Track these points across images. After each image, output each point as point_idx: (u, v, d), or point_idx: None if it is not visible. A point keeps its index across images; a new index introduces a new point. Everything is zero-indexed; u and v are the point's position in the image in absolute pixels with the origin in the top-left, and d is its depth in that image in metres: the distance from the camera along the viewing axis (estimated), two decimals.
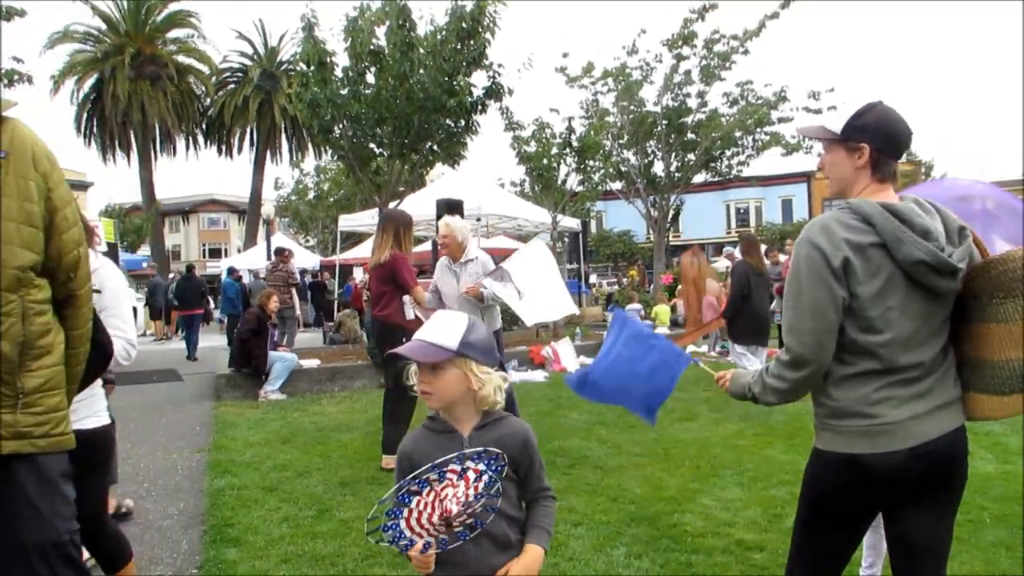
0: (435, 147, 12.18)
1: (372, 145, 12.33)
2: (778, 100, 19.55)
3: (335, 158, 16.91)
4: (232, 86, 37.16)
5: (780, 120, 19.54)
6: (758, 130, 19.66)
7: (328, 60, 11.38)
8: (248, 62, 37.68)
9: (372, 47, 11.17)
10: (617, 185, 21.66)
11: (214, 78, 36.51)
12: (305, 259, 26.02)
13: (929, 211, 2.17)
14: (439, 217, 12.35)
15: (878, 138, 2.18)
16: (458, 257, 6.15)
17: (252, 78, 35.87)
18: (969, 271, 2.14)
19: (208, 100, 36.91)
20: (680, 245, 50.14)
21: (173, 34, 35.19)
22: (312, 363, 10.64)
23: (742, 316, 8.32)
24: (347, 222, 17.16)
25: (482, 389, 2.01)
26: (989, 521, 4.33)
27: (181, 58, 35.16)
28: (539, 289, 6.41)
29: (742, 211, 53.27)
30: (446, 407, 2.04)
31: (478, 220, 16.11)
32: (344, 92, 11.33)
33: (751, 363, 8.23)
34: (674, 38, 18.82)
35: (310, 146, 34.85)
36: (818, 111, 19.22)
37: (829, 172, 2.31)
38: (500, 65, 11.87)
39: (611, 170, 20.86)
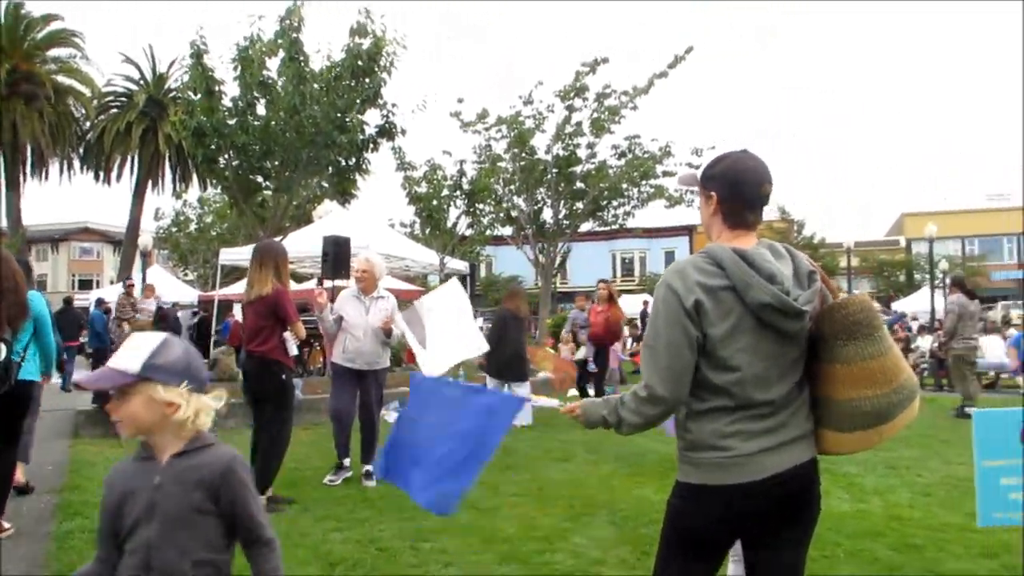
0: (323, 183, 12.08)
1: (258, 177, 12.12)
2: (663, 155, 20.32)
3: (219, 189, 16.48)
4: (115, 111, 35.74)
5: (664, 174, 20.29)
6: (643, 183, 20.35)
7: (216, 89, 11.16)
8: (134, 87, 36.36)
9: (262, 78, 11.05)
10: (507, 230, 21.94)
11: (96, 101, 35.02)
12: (182, 293, 25.03)
13: (781, 256, 2.29)
14: (325, 254, 12.22)
15: (723, 186, 2.30)
16: (371, 291, 6.39)
17: (137, 104, 34.60)
18: (818, 313, 2.28)
19: (88, 123, 35.33)
20: (567, 292, 51.07)
21: (54, 52, 33.69)
22: None
23: (496, 354, 9.28)
24: (229, 256, 16.62)
25: (177, 413, 1.88)
26: (843, 557, 4.54)
27: (61, 78, 33.64)
28: (449, 331, 6.69)
29: (627, 260, 54.83)
30: (144, 434, 1.91)
31: None
32: (231, 122, 11.13)
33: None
34: (566, 90, 19.35)
35: (195, 177, 33.78)
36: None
37: (700, 218, 2.45)
38: (394, 105, 11.95)
39: (501, 215, 21.22)
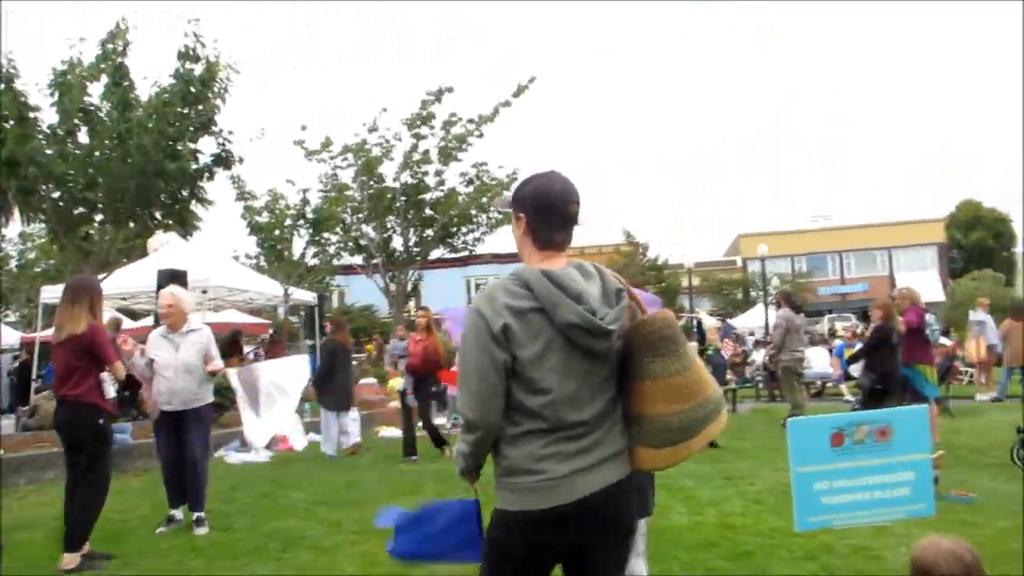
0: (155, 214, 11.46)
1: (82, 209, 11.33)
2: (510, 181, 20.66)
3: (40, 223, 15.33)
4: None
5: None
6: (491, 209, 20.59)
7: (30, 115, 10.39)
8: None
9: (83, 104, 10.38)
10: (357, 259, 21.62)
11: None
12: (3, 335, 23.01)
13: (590, 275, 2.32)
14: (159, 288, 11.57)
15: (531, 208, 2.32)
16: (179, 327, 6.11)
17: None
18: (627, 331, 2.33)
19: None
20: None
21: None
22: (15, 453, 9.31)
23: (326, 385, 9.94)
24: (52, 294, 15.43)
25: None
26: (679, 569, 4.67)
27: None
28: (279, 407, 6.97)
29: (481, 286, 55.00)
30: None
31: (204, 292, 15.24)
32: (49, 151, 10.37)
33: (330, 426, 10.10)
34: (413, 118, 19.37)
35: (16, 210, 31.22)
36: None
37: (514, 240, 2.45)
38: (230, 132, 11.53)
39: (350, 244, 20.89)
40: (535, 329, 2.17)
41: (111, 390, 5.65)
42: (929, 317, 9.28)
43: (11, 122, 10.38)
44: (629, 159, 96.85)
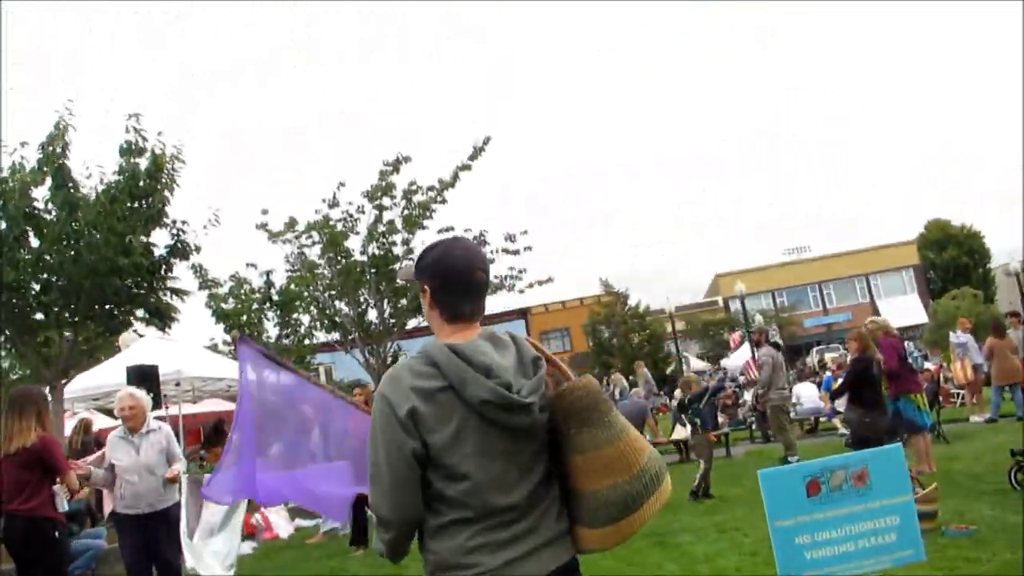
0: (130, 311, 11.20)
1: (38, 315, 11.04)
2: (479, 243, 20.56)
3: None
4: None
5: None
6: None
7: None
8: None
9: (28, 209, 10.18)
10: (335, 336, 21.30)
11: None
12: None
13: (503, 345, 2.13)
14: (130, 383, 11.23)
15: (435, 276, 2.16)
16: (139, 428, 6.01)
17: None
18: (551, 402, 2.11)
19: None
20: None
21: None
22: None
23: None
24: None
25: None
26: None
27: None
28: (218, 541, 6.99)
29: None
30: None
31: (177, 385, 14.92)
32: None
33: None
34: (373, 189, 19.30)
35: None
36: (516, 252, 20.58)
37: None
38: (184, 222, 11.35)
39: (325, 321, 20.58)
40: (446, 411, 1.97)
41: (63, 503, 5.59)
42: (908, 344, 9.12)
43: None
44: (784, 133, 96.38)
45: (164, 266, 11.32)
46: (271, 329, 14.03)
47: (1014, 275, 33.63)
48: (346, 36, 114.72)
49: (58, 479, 5.44)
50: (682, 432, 14.02)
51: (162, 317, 11.74)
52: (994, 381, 14.02)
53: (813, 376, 22.73)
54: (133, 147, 10.58)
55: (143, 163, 10.96)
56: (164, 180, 11.06)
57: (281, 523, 11.11)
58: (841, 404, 10.06)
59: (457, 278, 2.16)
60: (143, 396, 6.27)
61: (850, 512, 3.65)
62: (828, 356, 34.13)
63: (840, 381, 9.87)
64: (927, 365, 13.04)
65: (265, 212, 19.51)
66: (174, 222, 11.29)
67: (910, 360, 9.18)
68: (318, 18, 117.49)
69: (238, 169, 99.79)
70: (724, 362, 36.75)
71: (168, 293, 11.67)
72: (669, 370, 35.14)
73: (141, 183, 10.80)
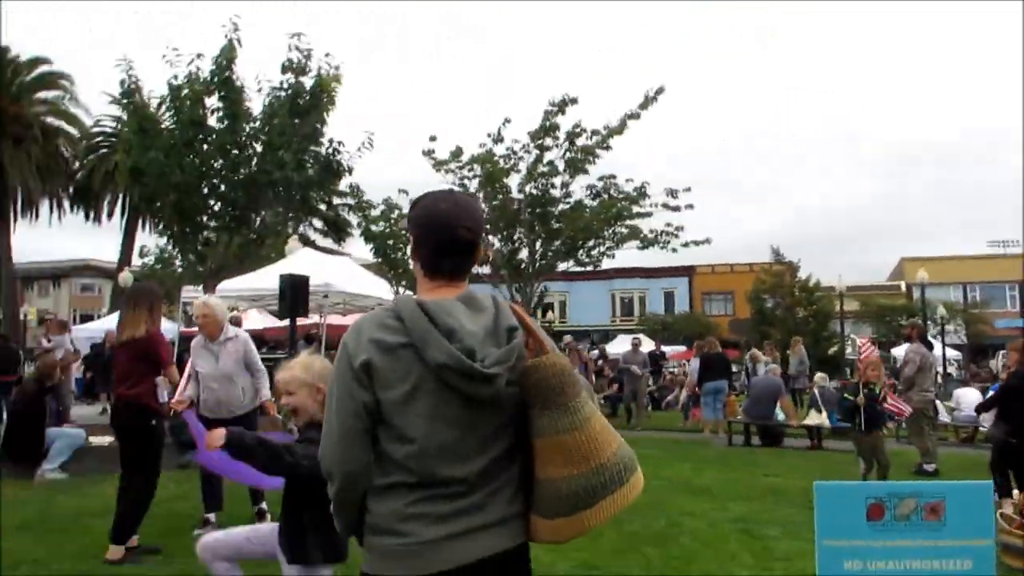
0: (280, 219, 11.81)
1: (202, 217, 11.83)
2: (639, 195, 20.03)
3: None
4: (103, 151, 35.74)
5: (638, 215, 19.99)
6: (618, 223, 20.03)
7: (151, 127, 10.93)
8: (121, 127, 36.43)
9: (198, 117, 10.80)
10: (486, 269, 21.60)
11: (84, 142, 35.09)
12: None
13: (480, 309, 1.96)
14: (282, 293, 11.87)
15: (418, 227, 2.04)
16: (216, 336, 6.12)
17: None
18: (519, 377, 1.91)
19: (77, 164, 35.39)
20: (565, 331, 50.65)
21: (42, 95, 33.86)
22: (104, 439, 9.72)
23: None
24: (186, 294, 16.40)
25: None
26: None
27: (50, 120, 33.78)
28: None
29: (626, 301, 54.52)
30: None
31: (326, 297, 15.63)
32: (164, 159, 10.85)
33: None
34: (536, 131, 19.15)
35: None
36: (676, 208, 19.88)
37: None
38: (339, 143, 11.68)
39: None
40: (403, 368, 1.84)
41: (164, 394, 5.81)
42: None
43: (133, 134, 10.95)
44: (783, 133, 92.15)
45: (318, 184, 11.69)
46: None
47: None
48: None
49: (161, 372, 5.67)
50: (816, 418, 13.20)
51: (338, 230, 12.21)
52: None
53: (993, 381, 20.69)
54: (295, 65, 10.91)
55: (307, 82, 11.29)
56: (324, 100, 11.38)
57: None
58: (987, 420, 9.03)
59: (439, 232, 2.00)
60: (218, 304, 6.39)
61: (915, 546, 3.20)
62: None
63: (990, 394, 8.85)
64: None
65: (433, 139, 19.86)
66: (331, 141, 11.62)
67: None
68: None
69: (401, 97, 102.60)
70: (894, 350, 34.32)
71: (345, 209, 12.10)
72: (831, 351, 33.18)
73: (301, 101, 11.18)
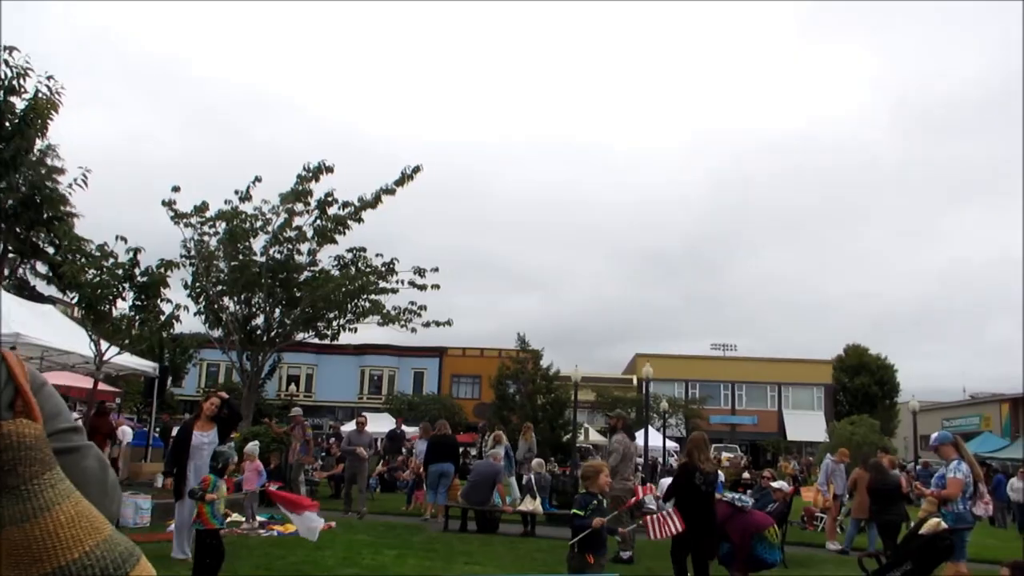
0: None
1: None
2: (387, 271, 19.93)
3: None
4: None
5: (383, 290, 19.88)
6: (361, 297, 19.75)
7: None
8: None
9: None
10: (218, 332, 20.28)
11: None
12: None
13: None
14: None
15: None
16: None
17: None
18: None
19: None
20: (312, 406, 48.86)
21: None
22: None
23: None
24: None
25: None
26: None
27: None
28: None
29: (376, 377, 53.88)
30: None
31: (13, 348, 13.77)
32: None
33: None
34: (287, 193, 18.61)
35: None
36: (423, 287, 19.96)
37: None
38: (48, 172, 10.46)
39: (210, 316, 19.58)
40: None
41: None
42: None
43: None
44: None
45: (14, 217, 10.37)
46: (125, 308, 12.97)
47: (912, 413, 34.26)
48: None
49: None
50: (531, 504, 13.42)
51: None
52: (853, 513, 13.78)
53: None
54: (3, 82, 9.74)
55: (18, 103, 10.14)
56: (37, 125, 10.26)
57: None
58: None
59: None
60: None
61: None
62: (724, 455, 34.03)
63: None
64: (779, 485, 12.64)
65: (176, 189, 18.58)
66: (44, 171, 10.41)
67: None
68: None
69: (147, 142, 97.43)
70: None
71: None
72: (565, 438, 34.55)
73: (8, 124, 9.97)
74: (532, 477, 14.20)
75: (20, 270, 34.96)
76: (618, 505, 11.00)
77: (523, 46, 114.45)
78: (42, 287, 34.62)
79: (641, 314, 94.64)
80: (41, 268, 33.00)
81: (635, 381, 50.93)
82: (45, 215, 10.93)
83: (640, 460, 25.63)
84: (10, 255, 30.10)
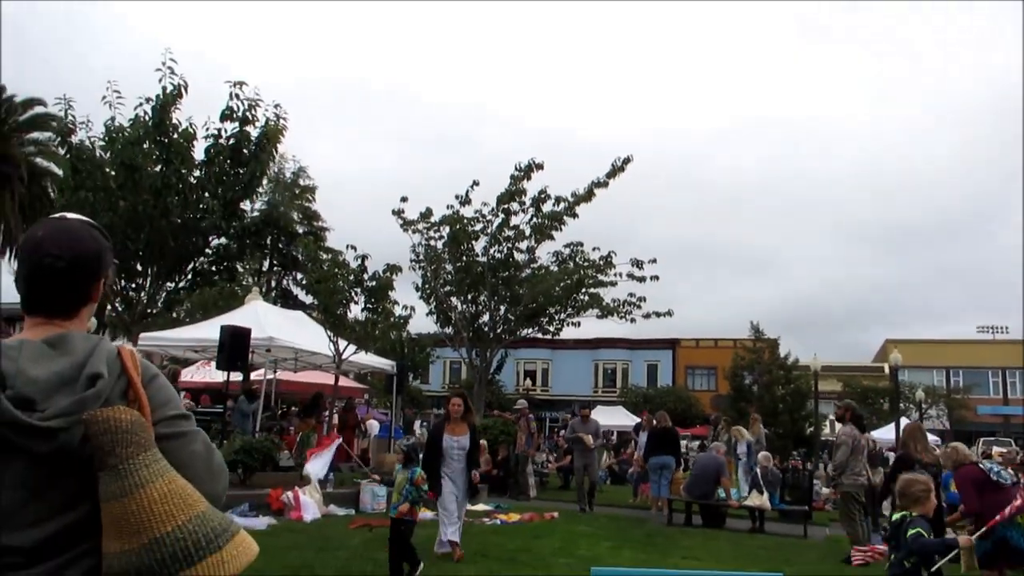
0: (196, 269, 11.56)
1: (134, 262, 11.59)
2: (605, 265, 19.93)
3: None
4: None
5: (601, 284, 19.89)
6: (579, 291, 19.88)
7: (84, 167, 10.83)
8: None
9: (130, 160, 10.68)
10: (448, 330, 21.36)
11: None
12: None
13: (64, 352, 1.69)
14: (221, 344, 11.62)
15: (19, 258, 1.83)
16: None
17: None
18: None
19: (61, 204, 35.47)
20: (547, 400, 50.08)
21: (33, 136, 34.15)
22: None
23: None
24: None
25: None
26: None
27: (39, 160, 33.98)
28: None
29: (609, 371, 54.07)
30: None
31: (268, 351, 15.38)
32: (94, 200, 10.71)
33: None
34: (502, 194, 19.15)
35: None
36: (641, 279, 19.73)
37: None
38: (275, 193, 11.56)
39: (440, 315, 20.68)
40: None
41: None
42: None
43: (66, 173, 10.85)
44: None
45: (251, 234, 11.54)
46: (358, 312, 14.08)
47: None
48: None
49: None
50: (758, 499, 12.79)
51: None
52: None
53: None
54: (235, 114, 10.85)
55: (253, 132, 11.22)
56: (269, 150, 11.31)
57: (311, 505, 11.04)
58: None
59: (25, 262, 1.75)
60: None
61: None
62: (995, 450, 30.52)
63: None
64: None
65: (404, 200, 19.87)
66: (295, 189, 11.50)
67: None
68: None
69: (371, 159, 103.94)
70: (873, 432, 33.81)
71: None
72: (809, 431, 32.69)
73: (246, 151, 11.08)
74: (759, 471, 13.53)
75: (284, 281, 39.17)
76: (848, 503, 10.19)
77: (716, 37, 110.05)
78: (301, 296, 38.40)
79: (888, 293, 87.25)
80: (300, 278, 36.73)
81: (886, 369, 47.07)
82: (288, 230, 11.95)
83: (891, 455, 23.56)
84: (275, 268, 33.49)
